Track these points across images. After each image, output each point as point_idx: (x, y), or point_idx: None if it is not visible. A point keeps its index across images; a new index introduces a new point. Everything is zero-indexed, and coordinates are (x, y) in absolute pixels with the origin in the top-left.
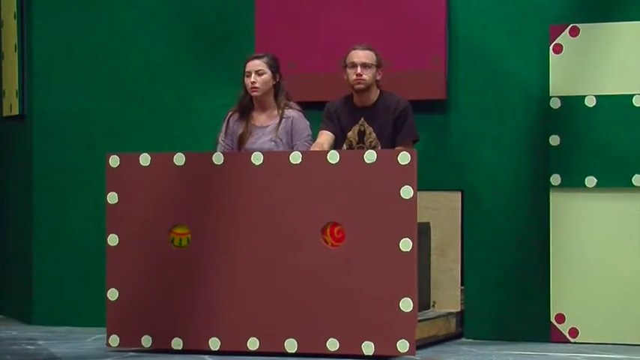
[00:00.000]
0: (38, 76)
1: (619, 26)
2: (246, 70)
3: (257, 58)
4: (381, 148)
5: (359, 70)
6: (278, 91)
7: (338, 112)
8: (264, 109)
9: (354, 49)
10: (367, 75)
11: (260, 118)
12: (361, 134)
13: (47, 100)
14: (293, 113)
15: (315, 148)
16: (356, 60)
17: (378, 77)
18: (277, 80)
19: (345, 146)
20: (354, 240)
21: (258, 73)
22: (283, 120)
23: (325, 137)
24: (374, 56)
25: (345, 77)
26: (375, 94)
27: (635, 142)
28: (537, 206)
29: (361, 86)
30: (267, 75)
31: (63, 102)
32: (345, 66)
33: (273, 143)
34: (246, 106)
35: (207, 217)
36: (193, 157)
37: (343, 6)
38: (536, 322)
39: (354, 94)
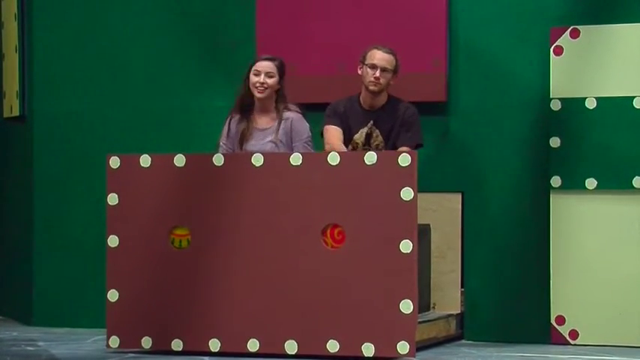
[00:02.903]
0: (39, 78)
1: (619, 28)
2: (256, 69)
3: (269, 60)
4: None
5: (377, 73)
6: (279, 96)
7: (346, 112)
8: (264, 111)
9: (377, 49)
10: (384, 79)
11: (261, 121)
12: (368, 137)
13: (48, 102)
14: (292, 115)
15: (333, 145)
16: (377, 62)
17: (392, 82)
18: (282, 85)
19: (350, 147)
20: (354, 241)
21: (268, 75)
22: (282, 122)
23: (334, 132)
24: (394, 62)
25: (360, 73)
26: (384, 98)
27: (635, 144)
28: (538, 208)
29: (375, 88)
30: (276, 79)
31: (63, 103)
32: (364, 63)
33: (273, 145)
34: (247, 107)
35: (207, 219)
36: (194, 158)
37: (344, 8)
38: (536, 324)
39: (361, 95)
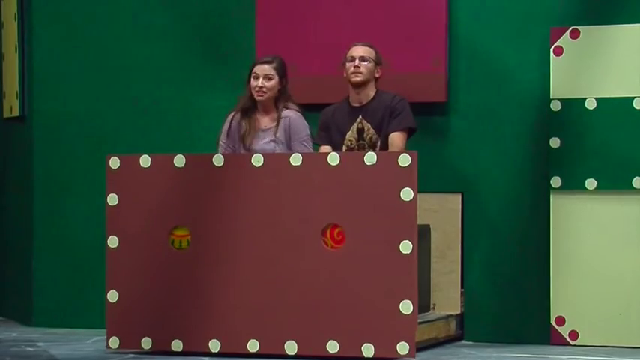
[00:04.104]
0: (38, 78)
1: (619, 29)
2: (254, 72)
3: (267, 62)
4: (380, 144)
5: (357, 62)
6: (281, 94)
7: (334, 115)
8: (267, 111)
9: (354, 45)
10: (365, 68)
11: (263, 121)
12: (360, 132)
13: (47, 102)
14: (290, 113)
15: None
16: (355, 54)
17: (377, 74)
18: (283, 84)
19: (344, 147)
20: (354, 242)
21: (267, 77)
22: (281, 120)
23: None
24: (373, 52)
25: (345, 74)
26: (371, 92)
27: (635, 145)
28: (537, 209)
29: (358, 78)
30: (275, 80)
31: (63, 103)
32: (345, 62)
33: (273, 144)
34: (249, 108)
35: (207, 219)
36: (193, 158)
37: (344, 8)
38: (536, 325)
39: (350, 93)
